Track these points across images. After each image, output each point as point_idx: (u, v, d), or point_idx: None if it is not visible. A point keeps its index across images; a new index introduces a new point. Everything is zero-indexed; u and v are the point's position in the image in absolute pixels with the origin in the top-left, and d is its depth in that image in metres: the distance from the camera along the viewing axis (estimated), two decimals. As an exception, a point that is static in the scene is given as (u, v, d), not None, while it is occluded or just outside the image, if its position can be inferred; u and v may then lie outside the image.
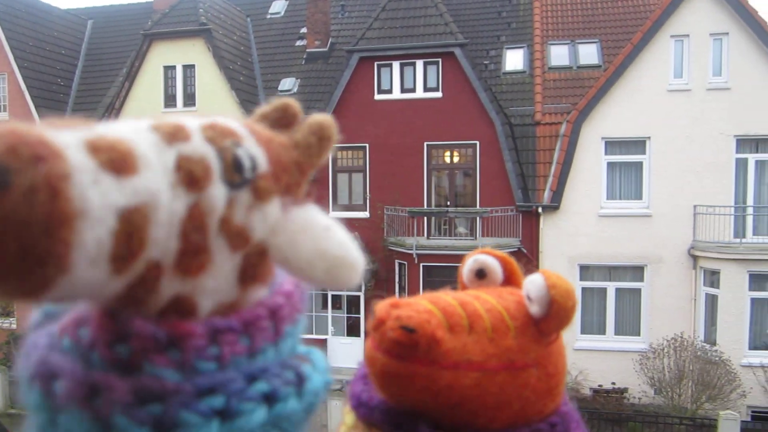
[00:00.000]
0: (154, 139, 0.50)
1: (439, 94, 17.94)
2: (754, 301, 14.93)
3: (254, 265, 0.58)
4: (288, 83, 20.56)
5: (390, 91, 18.30)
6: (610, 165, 16.60)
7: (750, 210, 15.79)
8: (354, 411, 0.84)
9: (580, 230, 16.47)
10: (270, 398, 0.57)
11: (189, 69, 19.75)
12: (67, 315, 0.56)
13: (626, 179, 16.60)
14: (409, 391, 0.75)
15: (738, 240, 15.08)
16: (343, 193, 18.58)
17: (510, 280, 0.89)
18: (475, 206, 17.30)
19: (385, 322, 0.73)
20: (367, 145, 18.24)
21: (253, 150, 0.56)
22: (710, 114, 15.88)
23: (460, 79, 17.64)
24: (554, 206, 16.49)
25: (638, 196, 16.41)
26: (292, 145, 0.61)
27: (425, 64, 18.06)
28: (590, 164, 16.47)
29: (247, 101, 19.31)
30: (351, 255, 0.59)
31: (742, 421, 12.69)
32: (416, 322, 0.72)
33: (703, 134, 15.89)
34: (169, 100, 19.90)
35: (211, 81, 19.47)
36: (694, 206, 15.76)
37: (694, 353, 14.29)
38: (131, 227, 0.47)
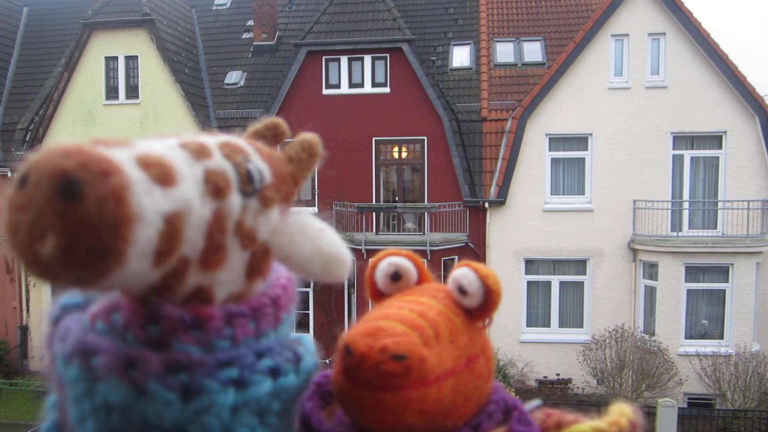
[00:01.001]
0: (185, 155, 0.61)
1: (387, 90, 17.98)
2: (689, 292, 15.54)
3: (258, 261, 0.69)
4: (234, 76, 20.24)
5: (338, 86, 18.24)
6: (554, 161, 16.98)
7: (686, 205, 16.42)
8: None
9: (525, 225, 16.80)
10: (274, 372, 0.68)
11: (132, 60, 19.21)
12: (97, 304, 0.67)
13: (569, 175, 17.00)
14: (404, 417, 0.74)
15: (675, 234, 15.66)
16: (291, 188, 18.41)
17: (422, 278, 0.90)
18: (423, 201, 17.44)
19: (367, 356, 0.71)
20: (315, 139, 18.11)
21: (260, 165, 0.68)
22: (648, 112, 16.42)
23: (408, 74, 17.72)
24: (500, 201, 16.77)
25: (581, 191, 16.84)
26: (287, 159, 0.74)
27: (373, 59, 18.07)
28: (535, 160, 16.81)
29: (192, 94, 18.93)
30: (342, 252, 0.73)
31: (680, 408, 13.20)
32: (405, 347, 0.72)
33: (642, 131, 16.41)
34: (111, 92, 19.33)
35: (154, 73, 18.98)
36: (634, 201, 16.28)
37: (634, 343, 14.77)
38: (172, 229, 0.57)
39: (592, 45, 16.56)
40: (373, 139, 17.85)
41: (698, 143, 16.55)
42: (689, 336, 15.54)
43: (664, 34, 16.41)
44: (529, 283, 16.91)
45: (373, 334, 0.73)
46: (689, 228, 16.14)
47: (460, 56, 19.52)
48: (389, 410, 0.72)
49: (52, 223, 0.51)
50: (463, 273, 0.83)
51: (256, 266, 0.69)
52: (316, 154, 0.79)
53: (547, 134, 16.84)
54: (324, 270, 0.72)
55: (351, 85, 18.17)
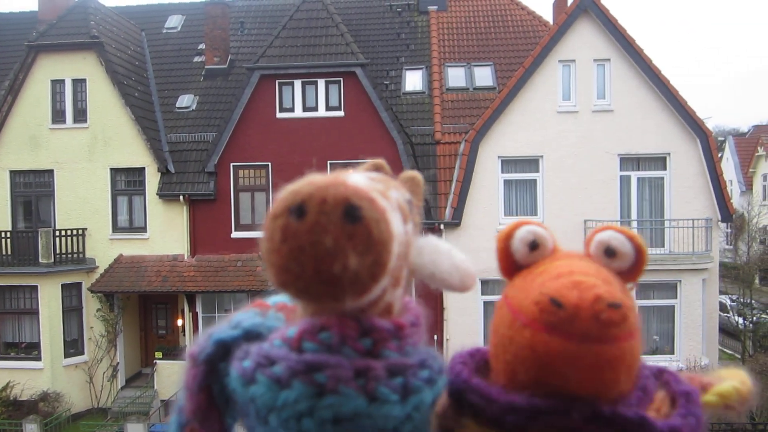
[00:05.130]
0: (382, 187, 0.71)
1: (341, 113, 18.04)
2: (640, 309, 15.73)
3: (408, 277, 0.78)
4: (186, 100, 20.02)
5: (292, 110, 18.22)
6: (507, 182, 17.26)
7: (634, 224, 16.86)
8: (476, 409, 0.77)
9: (480, 246, 16.81)
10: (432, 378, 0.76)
11: (79, 83, 18.80)
12: (279, 332, 0.73)
13: (522, 196, 17.30)
14: (618, 373, 0.69)
15: (624, 252, 16.00)
16: (246, 212, 18.23)
17: (555, 248, 0.84)
18: (379, 224, 17.45)
19: (582, 306, 0.67)
20: (269, 163, 18.03)
21: (408, 195, 0.77)
22: (596, 134, 16.88)
23: (362, 98, 17.83)
24: (455, 223, 16.92)
25: (533, 211, 17.14)
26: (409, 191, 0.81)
27: (327, 83, 18.13)
28: (488, 182, 17.06)
29: (142, 117, 18.61)
30: (472, 267, 0.81)
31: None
32: (617, 296, 0.68)
33: (590, 153, 16.85)
34: (57, 116, 18.85)
35: (103, 96, 18.62)
36: (584, 221, 16.64)
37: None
38: (400, 248, 0.68)
39: (540, 70, 16.98)
40: (328, 162, 17.82)
41: (644, 164, 17.06)
42: (642, 352, 15.83)
43: (609, 60, 16.95)
44: (485, 303, 17.04)
45: (577, 286, 0.69)
46: (638, 247, 16.52)
47: (413, 80, 19.77)
48: (608, 364, 0.68)
49: (349, 244, 0.61)
50: (611, 235, 0.80)
51: (408, 282, 0.78)
52: (421, 187, 0.87)
53: (499, 156, 17.13)
54: (462, 283, 0.80)
55: (305, 109, 18.18)
